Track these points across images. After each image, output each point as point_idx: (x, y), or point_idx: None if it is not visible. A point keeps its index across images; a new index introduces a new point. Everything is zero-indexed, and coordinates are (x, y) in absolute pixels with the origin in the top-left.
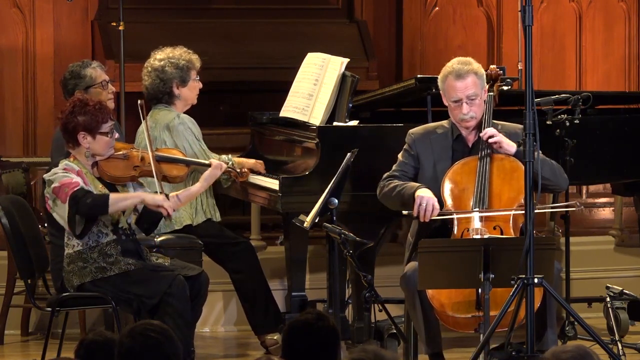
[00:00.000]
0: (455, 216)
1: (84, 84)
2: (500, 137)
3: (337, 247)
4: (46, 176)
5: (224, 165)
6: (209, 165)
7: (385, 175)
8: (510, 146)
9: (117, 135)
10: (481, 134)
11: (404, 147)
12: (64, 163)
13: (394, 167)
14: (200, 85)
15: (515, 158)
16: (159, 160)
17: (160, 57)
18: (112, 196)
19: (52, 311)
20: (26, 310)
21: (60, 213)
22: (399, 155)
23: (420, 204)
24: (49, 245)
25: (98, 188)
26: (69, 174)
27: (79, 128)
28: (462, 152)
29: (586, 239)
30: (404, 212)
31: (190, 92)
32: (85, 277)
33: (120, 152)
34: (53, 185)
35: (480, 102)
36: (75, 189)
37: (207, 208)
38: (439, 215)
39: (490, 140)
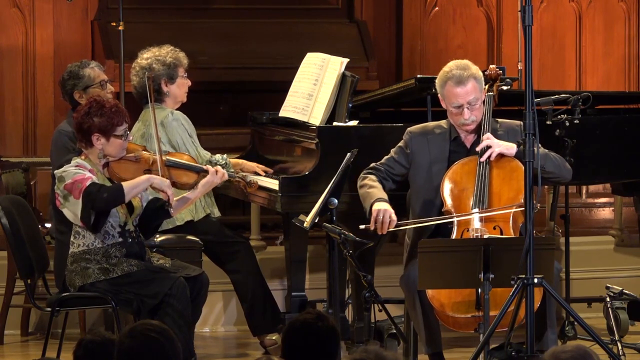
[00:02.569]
0: (413, 226)
1: (82, 84)
2: (497, 149)
3: (337, 247)
4: (57, 172)
5: (225, 174)
6: (206, 171)
7: (371, 165)
8: (511, 149)
9: (130, 137)
10: (478, 147)
11: (400, 143)
12: (76, 160)
13: (382, 160)
14: (189, 82)
15: (515, 158)
16: (169, 165)
17: (147, 55)
18: (125, 185)
19: (52, 311)
20: (26, 310)
21: (72, 209)
22: (392, 150)
23: (377, 217)
24: (49, 245)
25: None
26: (81, 170)
27: (93, 129)
28: (459, 153)
29: (586, 239)
30: (361, 227)
31: (178, 89)
32: (88, 278)
33: (132, 154)
34: (65, 182)
35: (480, 105)
36: (88, 183)
37: (206, 204)
38: (396, 226)
39: (492, 158)
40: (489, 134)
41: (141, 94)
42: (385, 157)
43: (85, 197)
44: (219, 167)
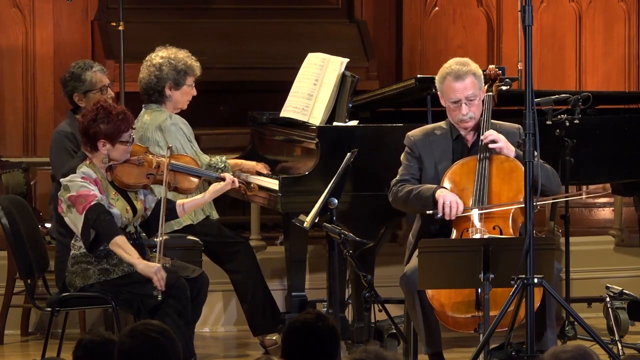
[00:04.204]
0: (481, 211)
1: (83, 88)
2: (502, 144)
3: (337, 247)
4: (63, 180)
5: (236, 181)
6: (222, 179)
7: (394, 180)
8: (510, 150)
9: (134, 141)
10: (482, 137)
11: (406, 150)
12: (82, 170)
13: (400, 172)
14: (194, 92)
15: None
16: (173, 169)
17: (162, 54)
18: (119, 239)
19: (52, 311)
20: (26, 310)
21: (74, 220)
22: (402, 159)
23: (444, 203)
24: (49, 245)
25: (111, 195)
26: (87, 185)
27: (99, 136)
28: (461, 152)
29: (586, 239)
30: (428, 212)
31: (181, 96)
32: (89, 279)
33: (135, 157)
34: (70, 194)
35: (479, 103)
36: (92, 202)
37: (205, 207)
38: (463, 211)
39: (491, 146)
40: (491, 130)
41: (144, 89)
42: (400, 169)
43: (88, 217)
44: (228, 175)
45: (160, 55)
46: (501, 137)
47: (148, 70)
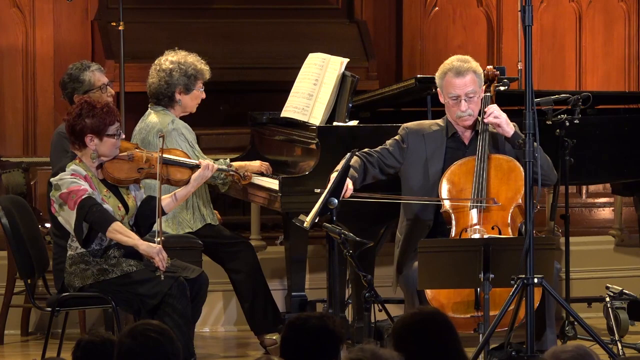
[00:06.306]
0: (368, 199)
1: (82, 88)
2: (502, 120)
3: (337, 247)
4: (53, 180)
5: (215, 166)
6: (199, 166)
7: (365, 149)
8: (510, 127)
9: (122, 135)
10: (484, 110)
11: (396, 137)
12: (71, 167)
13: (376, 148)
14: (204, 95)
15: (513, 155)
16: (165, 162)
17: (172, 59)
18: (116, 225)
19: (52, 311)
20: (26, 310)
21: (67, 218)
22: (387, 142)
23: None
24: (49, 245)
25: (103, 192)
26: (77, 180)
27: (86, 130)
28: (457, 149)
29: (586, 239)
30: (316, 190)
31: (191, 100)
32: (87, 279)
33: (125, 153)
34: (61, 191)
35: (478, 100)
36: (83, 196)
37: (205, 214)
38: (351, 196)
39: (490, 120)
40: (494, 105)
41: (154, 93)
42: (380, 146)
43: (79, 210)
44: (208, 161)
45: (170, 60)
46: (502, 115)
47: (158, 76)
